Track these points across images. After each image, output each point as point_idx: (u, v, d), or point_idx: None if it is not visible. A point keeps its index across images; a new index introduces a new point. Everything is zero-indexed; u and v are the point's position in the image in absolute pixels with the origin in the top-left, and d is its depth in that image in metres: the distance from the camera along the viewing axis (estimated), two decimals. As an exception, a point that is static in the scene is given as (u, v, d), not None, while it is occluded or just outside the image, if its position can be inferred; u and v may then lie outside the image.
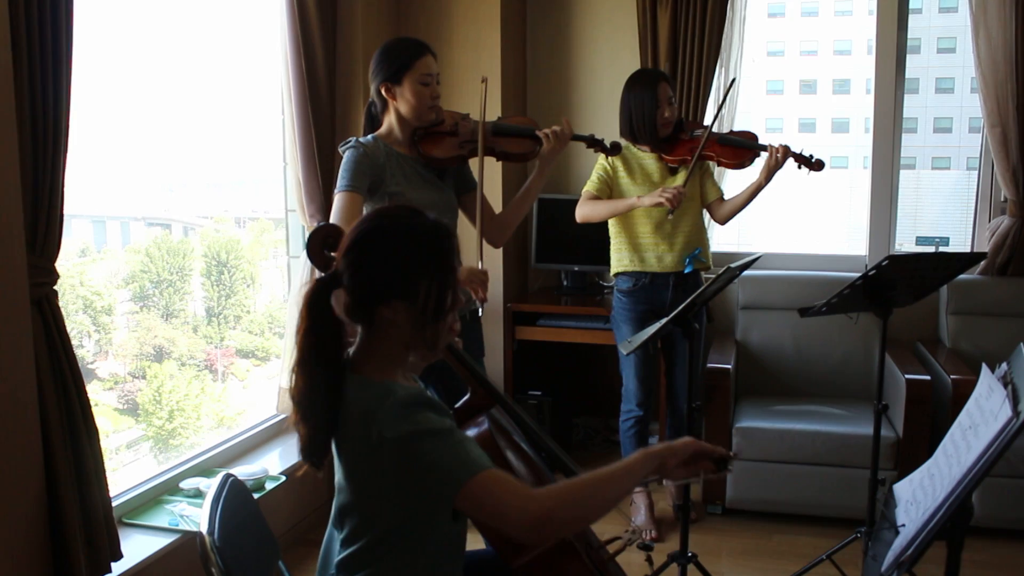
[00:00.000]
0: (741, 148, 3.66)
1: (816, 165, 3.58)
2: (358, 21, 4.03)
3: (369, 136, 2.97)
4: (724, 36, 4.42)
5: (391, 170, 2.90)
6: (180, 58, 4.05)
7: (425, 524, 1.68)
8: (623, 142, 3.75)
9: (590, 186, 3.82)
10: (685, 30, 4.39)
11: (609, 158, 3.77)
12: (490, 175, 4.03)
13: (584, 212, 3.79)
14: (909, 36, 4.49)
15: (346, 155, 2.89)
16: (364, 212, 2.92)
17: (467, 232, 3.06)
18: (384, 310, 1.68)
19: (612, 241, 3.89)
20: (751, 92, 3.95)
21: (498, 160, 3.12)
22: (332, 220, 2.78)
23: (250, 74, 4.31)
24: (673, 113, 3.70)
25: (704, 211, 3.94)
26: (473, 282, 2.76)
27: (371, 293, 1.68)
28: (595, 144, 3.39)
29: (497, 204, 3.28)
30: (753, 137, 3.73)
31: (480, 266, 2.89)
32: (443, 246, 1.72)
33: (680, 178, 3.72)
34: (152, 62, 3.92)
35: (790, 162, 3.59)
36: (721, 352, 4.23)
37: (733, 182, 4.39)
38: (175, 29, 3.95)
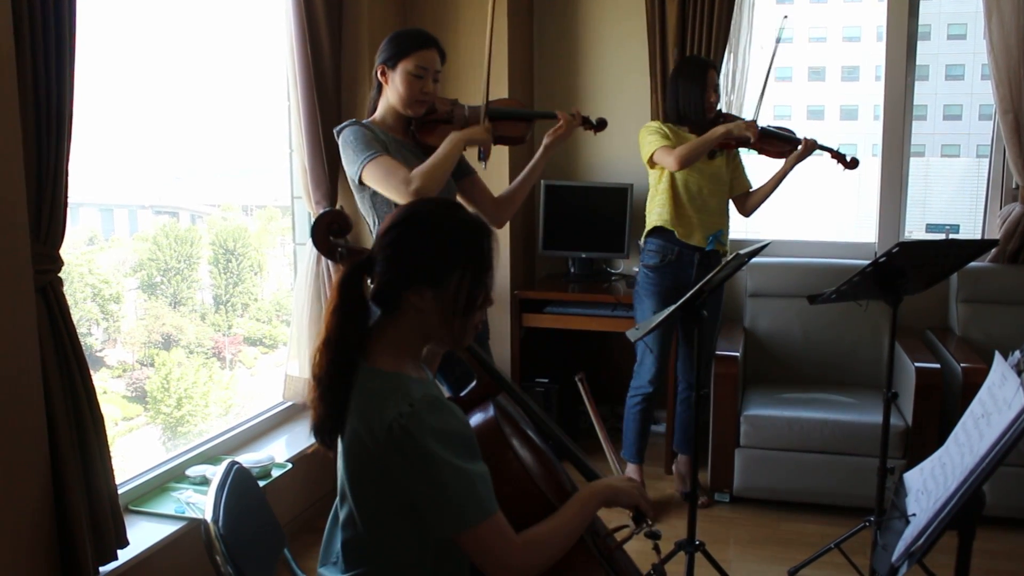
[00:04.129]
0: (783, 141, 3.90)
1: (851, 164, 3.94)
2: (363, 6, 4.00)
3: (365, 121, 2.94)
4: (732, 22, 4.38)
5: (389, 151, 2.87)
6: (186, 47, 4.04)
7: (420, 525, 1.66)
8: (667, 127, 3.84)
9: (661, 141, 3.77)
10: (693, 16, 4.35)
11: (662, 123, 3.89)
12: (495, 158, 4.00)
13: (682, 152, 3.67)
14: (920, 22, 4.45)
15: (347, 132, 2.85)
16: (368, 201, 2.91)
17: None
18: (412, 296, 1.66)
19: (655, 196, 3.91)
20: (759, 79, 3.95)
21: (495, 144, 3.09)
22: (383, 187, 2.75)
23: (255, 61, 4.29)
24: (718, 99, 3.88)
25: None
26: None
27: (402, 276, 1.67)
28: (586, 123, 3.26)
29: (503, 186, 3.27)
30: (790, 131, 3.96)
31: None
32: (483, 242, 1.71)
33: (719, 161, 3.89)
34: (158, 52, 3.92)
35: (827, 157, 3.92)
36: (729, 340, 4.21)
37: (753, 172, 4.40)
38: (181, 18, 3.94)
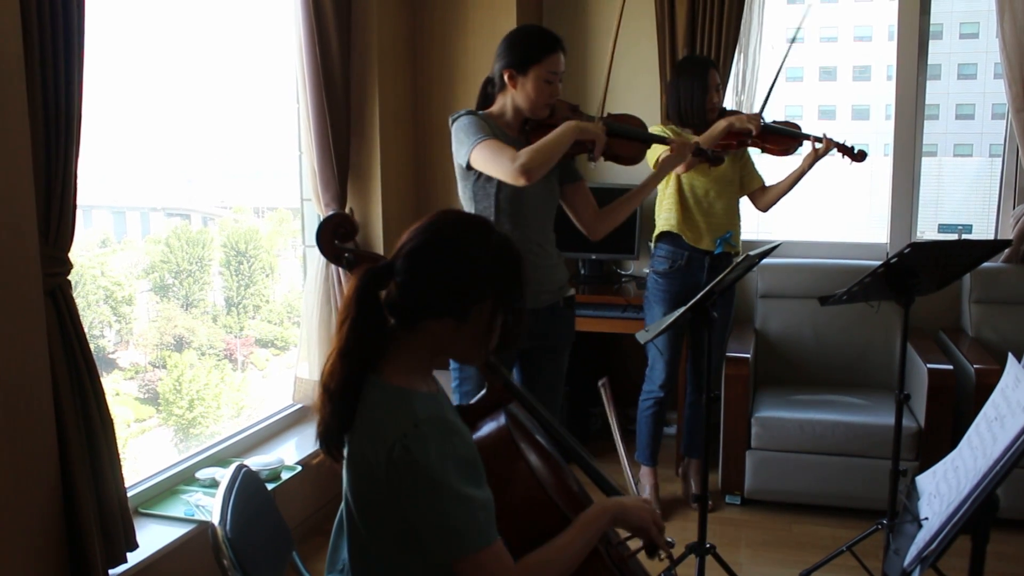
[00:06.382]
0: (786, 137, 3.82)
1: (859, 156, 3.81)
2: (373, 9, 3.99)
3: (480, 112, 2.93)
4: (743, 22, 4.37)
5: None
6: (197, 50, 4.05)
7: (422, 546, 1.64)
8: (669, 129, 3.82)
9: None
10: (703, 16, 4.34)
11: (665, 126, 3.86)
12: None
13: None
14: (931, 21, 4.42)
15: (461, 120, 2.84)
16: (469, 190, 2.90)
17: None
18: (432, 323, 1.63)
19: (662, 201, 3.92)
20: (770, 79, 3.93)
21: (606, 160, 3.06)
22: (491, 167, 2.74)
23: (265, 64, 4.30)
24: (720, 99, 3.83)
25: (743, 199, 4.04)
26: None
27: (424, 306, 1.62)
28: (702, 154, 3.31)
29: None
30: (796, 127, 3.87)
31: None
32: (512, 271, 1.65)
33: (725, 162, 3.76)
34: (169, 55, 3.92)
35: (835, 152, 3.81)
36: (740, 341, 4.19)
37: (767, 169, 4.37)
38: (192, 21, 3.94)
